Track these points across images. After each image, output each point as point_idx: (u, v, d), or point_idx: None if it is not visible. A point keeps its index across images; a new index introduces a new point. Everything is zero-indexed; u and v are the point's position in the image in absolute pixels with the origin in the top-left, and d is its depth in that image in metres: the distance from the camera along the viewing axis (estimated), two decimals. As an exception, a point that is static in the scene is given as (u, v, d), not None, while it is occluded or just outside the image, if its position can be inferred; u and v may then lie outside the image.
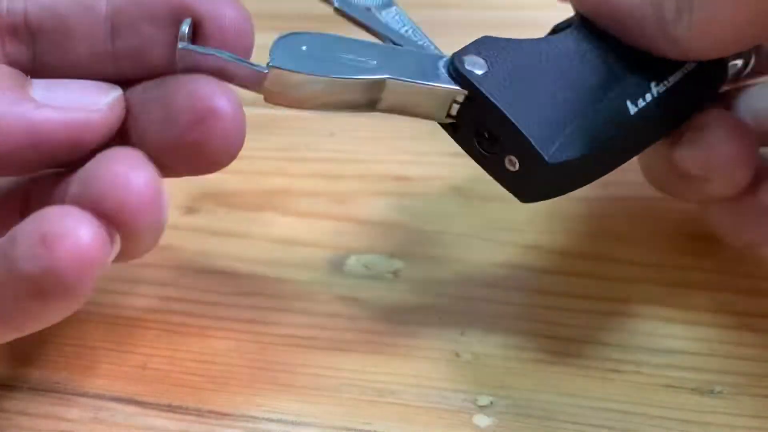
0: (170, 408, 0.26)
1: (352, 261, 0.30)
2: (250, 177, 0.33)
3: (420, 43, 0.25)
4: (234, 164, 0.34)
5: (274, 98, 0.23)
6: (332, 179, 0.32)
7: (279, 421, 0.25)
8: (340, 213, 0.32)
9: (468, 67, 0.23)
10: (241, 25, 0.23)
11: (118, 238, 0.20)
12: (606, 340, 0.27)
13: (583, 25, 0.25)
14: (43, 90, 0.22)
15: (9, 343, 0.27)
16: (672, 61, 0.25)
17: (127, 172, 0.20)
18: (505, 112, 0.23)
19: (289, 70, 0.22)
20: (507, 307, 0.29)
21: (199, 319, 0.28)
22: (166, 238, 0.27)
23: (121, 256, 0.21)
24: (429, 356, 0.27)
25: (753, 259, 0.29)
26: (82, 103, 0.22)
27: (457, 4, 0.43)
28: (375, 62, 0.23)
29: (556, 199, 0.24)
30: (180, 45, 0.22)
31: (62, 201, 0.20)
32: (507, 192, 0.24)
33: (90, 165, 0.20)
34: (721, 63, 0.26)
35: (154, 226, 0.21)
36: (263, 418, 0.25)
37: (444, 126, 0.25)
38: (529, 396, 0.25)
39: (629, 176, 0.31)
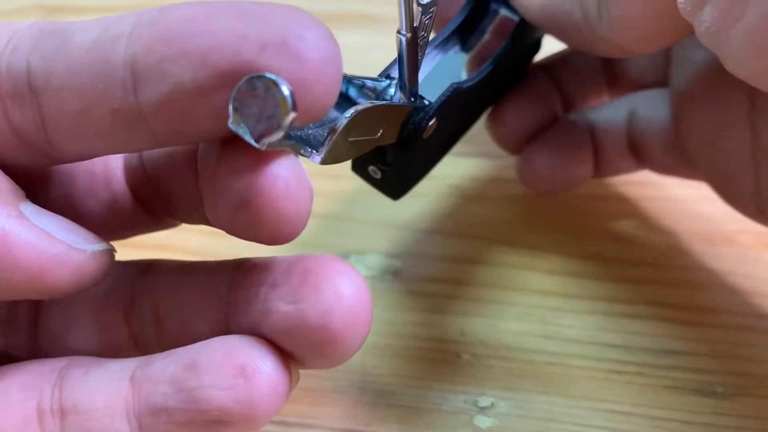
0: (169, 409, 0.25)
1: (352, 261, 0.30)
2: (249, 176, 0.33)
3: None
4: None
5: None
6: (332, 179, 0.32)
7: (279, 422, 0.25)
8: (340, 213, 0.32)
9: (426, 130, 0.23)
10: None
11: (296, 371, 0.19)
12: (607, 340, 0.27)
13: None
14: (32, 211, 0.18)
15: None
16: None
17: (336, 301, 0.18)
18: (409, 172, 0.25)
19: (329, 163, 0.20)
20: (507, 307, 0.28)
21: (199, 320, 0.28)
22: (166, 238, 0.27)
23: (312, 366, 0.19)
24: (429, 356, 0.27)
25: (754, 260, 0.29)
26: (67, 239, 0.18)
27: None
28: (381, 130, 0.23)
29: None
30: (229, 123, 0.17)
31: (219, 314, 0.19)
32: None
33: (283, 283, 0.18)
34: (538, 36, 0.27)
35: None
36: (263, 419, 0.25)
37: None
38: (530, 397, 0.25)
39: (631, 176, 0.31)
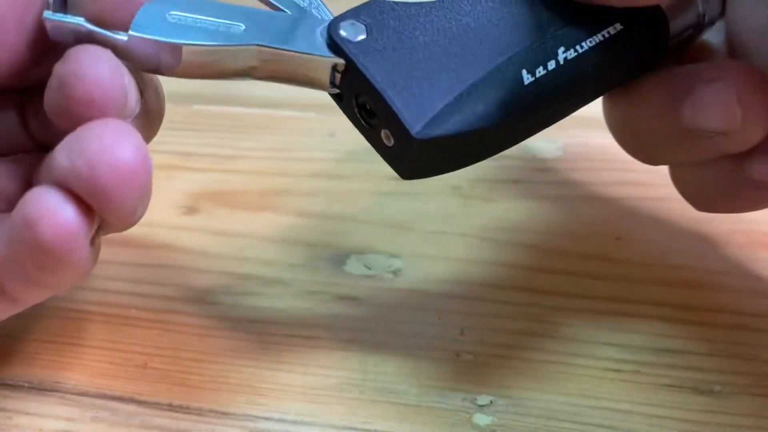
0: (170, 408, 0.26)
1: (352, 261, 0.30)
2: (250, 177, 0.34)
3: (307, 3, 0.23)
4: (234, 164, 0.34)
5: (146, 69, 0.22)
6: (332, 179, 0.32)
7: (279, 420, 0.25)
8: (340, 213, 0.32)
9: (343, 34, 0.22)
10: None
11: (96, 214, 0.20)
12: (606, 339, 0.27)
13: None
14: None
15: (9, 343, 0.27)
16: (591, 23, 0.24)
17: (113, 151, 0.20)
18: (373, 81, 0.21)
19: (148, 37, 0.21)
20: (507, 307, 0.29)
21: (200, 319, 0.28)
22: (167, 238, 0.27)
23: (110, 228, 0.22)
24: (429, 356, 0.27)
25: (751, 259, 0.29)
26: None
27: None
28: (243, 28, 0.22)
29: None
30: (45, 14, 0.21)
31: (50, 175, 0.20)
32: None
33: (74, 137, 0.20)
34: (659, 20, 0.25)
35: (139, 201, 0.21)
36: (263, 418, 0.25)
37: (332, 96, 0.23)
38: (528, 395, 0.26)
39: (630, 176, 0.31)
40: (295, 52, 0.22)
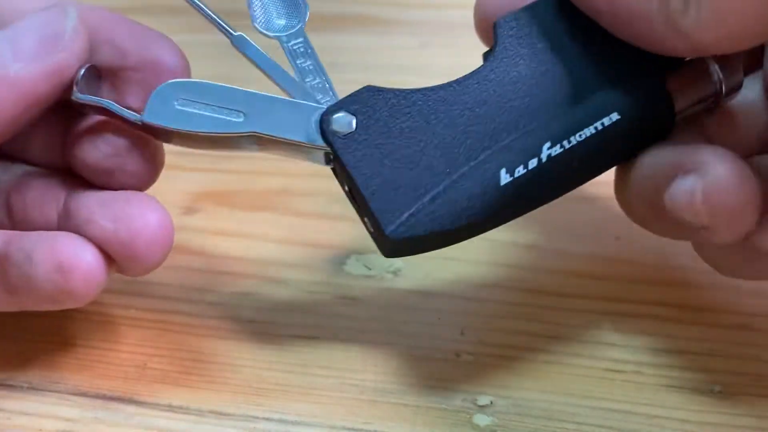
0: (170, 408, 0.26)
1: (352, 261, 0.30)
2: (250, 177, 0.33)
3: (314, 81, 0.25)
4: (234, 164, 0.34)
5: (159, 140, 0.25)
6: (332, 179, 0.32)
7: (279, 420, 0.25)
8: (340, 213, 0.32)
9: (334, 127, 0.23)
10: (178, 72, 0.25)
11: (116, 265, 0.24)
12: (606, 340, 0.27)
13: (502, 60, 0.24)
14: (7, 44, 0.23)
15: (9, 343, 0.27)
16: (584, 112, 0.23)
17: (140, 228, 0.24)
18: (355, 179, 0.23)
19: (156, 124, 0.24)
20: (507, 307, 0.29)
21: (199, 319, 0.28)
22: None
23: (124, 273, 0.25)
24: (429, 356, 0.27)
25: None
26: (48, 45, 0.23)
27: (456, 4, 0.43)
28: (244, 115, 0.24)
29: (555, 200, 0.24)
30: (74, 95, 0.24)
31: (81, 221, 0.24)
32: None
33: (117, 206, 0.24)
34: (663, 103, 0.24)
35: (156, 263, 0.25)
36: (263, 418, 0.25)
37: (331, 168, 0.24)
38: (528, 396, 0.25)
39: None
40: (290, 140, 0.24)
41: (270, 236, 0.31)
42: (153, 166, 0.25)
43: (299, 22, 0.25)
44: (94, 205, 0.24)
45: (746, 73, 0.26)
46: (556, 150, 0.23)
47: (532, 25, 0.24)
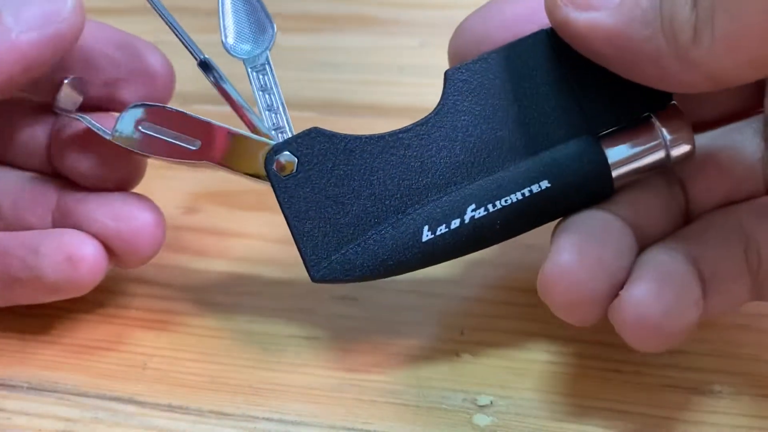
0: (170, 408, 0.26)
1: (352, 261, 0.30)
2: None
3: (272, 112, 0.25)
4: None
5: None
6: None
7: (279, 420, 0.25)
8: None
9: (276, 167, 0.24)
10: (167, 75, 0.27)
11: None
12: (606, 340, 0.27)
13: (445, 114, 0.24)
14: (11, 14, 0.24)
15: (9, 343, 0.27)
16: (514, 178, 0.23)
17: (139, 226, 0.26)
18: (288, 220, 0.24)
19: (121, 144, 0.25)
20: (507, 307, 0.29)
21: (199, 319, 0.28)
22: (167, 237, 0.27)
23: (123, 265, 0.28)
24: (429, 356, 0.27)
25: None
26: (48, 16, 0.25)
27: (456, 4, 0.43)
28: (200, 143, 0.25)
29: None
30: (54, 107, 0.26)
31: (81, 219, 0.26)
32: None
33: (118, 207, 0.27)
34: (600, 171, 0.23)
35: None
36: (263, 418, 0.25)
37: None
38: (528, 396, 0.26)
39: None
40: (238, 172, 0.25)
41: (270, 236, 0.31)
42: (138, 171, 0.28)
43: (265, 48, 0.26)
44: (93, 205, 0.27)
45: (735, 118, 0.26)
46: (480, 212, 0.24)
47: (479, 79, 0.24)
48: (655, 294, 0.22)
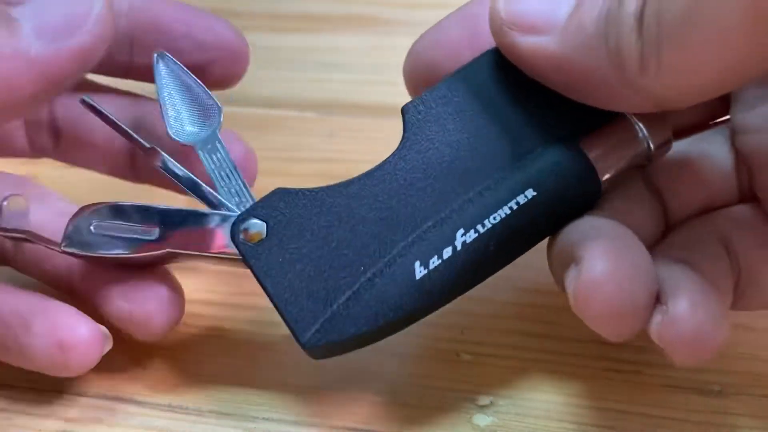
0: (170, 408, 0.26)
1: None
2: (250, 177, 0.33)
3: (230, 186, 0.25)
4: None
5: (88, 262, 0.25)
6: (332, 179, 0.32)
7: (279, 420, 0.25)
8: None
9: (244, 236, 0.23)
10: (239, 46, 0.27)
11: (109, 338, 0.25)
12: (606, 339, 0.27)
13: (411, 147, 0.23)
14: (30, 19, 0.22)
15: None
16: (497, 192, 0.22)
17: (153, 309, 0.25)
18: (267, 289, 0.23)
19: (75, 252, 0.24)
20: (507, 307, 0.29)
21: (199, 319, 0.28)
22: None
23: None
24: (429, 355, 0.27)
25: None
26: (72, 26, 0.22)
27: (456, 4, 0.43)
28: (158, 232, 0.24)
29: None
30: None
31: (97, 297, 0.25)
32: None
33: (132, 292, 0.25)
34: (586, 173, 0.23)
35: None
36: (263, 418, 0.25)
37: None
38: (529, 395, 0.26)
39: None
40: (205, 254, 0.24)
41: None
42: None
43: (212, 128, 0.25)
44: (109, 292, 0.25)
45: (706, 126, 0.25)
46: (471, 236, 0.22)
47: (438, 107, 0.24)
48: (704, 306, 0.21)
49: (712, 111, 0.26)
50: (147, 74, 0.26)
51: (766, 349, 0.27)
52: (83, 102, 0.25)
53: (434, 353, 0.27)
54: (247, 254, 0.23)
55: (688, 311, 0.21)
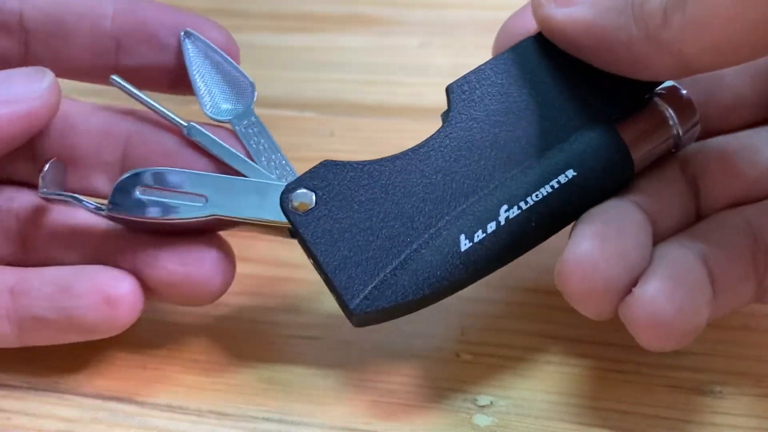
0: (170, 408, 0.26)
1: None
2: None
3: (270, 160, 0.25)
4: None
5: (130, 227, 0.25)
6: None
7: (279, 421, 0.25)
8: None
9: (294, 205, 0.24)
10: (229, 47, 0.26)
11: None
12: (606, 340, 0.27)
13: (456, 124, 0.24)
14: None
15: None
16: (539, 171, 0.23)
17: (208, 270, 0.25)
18: (318, 256, 0.23)
19: (119, 216, 0.24)
20: (507, 307, 0.29)
21: (199, 319, 0.28)
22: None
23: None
24: (429, 356, 0.27)
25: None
26: (21, 93, 0.24)
27: (456, 4, 0.43)
28: (205, 198, 0.24)
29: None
30: (40, 192, 0.25)
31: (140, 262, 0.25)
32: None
33: (186, 252, 0.25)
34: (621, 157, 0.24)
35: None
36: (263, 418, 0.25)
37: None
38: (528, 396, 0.25)
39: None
40: (252, 219, 0.24)
41: (270, 236, 0.31)
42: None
43: (247, 104, 0.26)
44: (161, 253, 0.25)
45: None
46: (514, 212, 0.23)
47: (483, 86, 0.24)
48: (669, 292, 0.22)
49: (766, 113, 0.26)
50: (134, 78, 0.26)
51: (766, 349, 0.27)
52: (113, 81, 0.25)
53: (434, 353, 0.27)
54: (297, 223, 0.23)
55: (648, 295, 0.22)
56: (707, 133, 0.26)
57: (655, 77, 0.23)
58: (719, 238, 0.24)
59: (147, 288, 0.25)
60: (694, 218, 0.25)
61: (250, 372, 0.27)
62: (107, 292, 0.24)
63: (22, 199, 0.26)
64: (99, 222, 0.26)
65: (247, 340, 0.28)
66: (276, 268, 0.30)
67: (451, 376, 0.26)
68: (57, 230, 0.26)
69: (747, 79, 0.26)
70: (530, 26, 0.25)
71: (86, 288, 0.24)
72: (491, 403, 0.25)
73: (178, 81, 0.26)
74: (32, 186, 0.26)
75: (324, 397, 0.26)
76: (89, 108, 0.27)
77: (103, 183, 0.26)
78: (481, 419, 0.25)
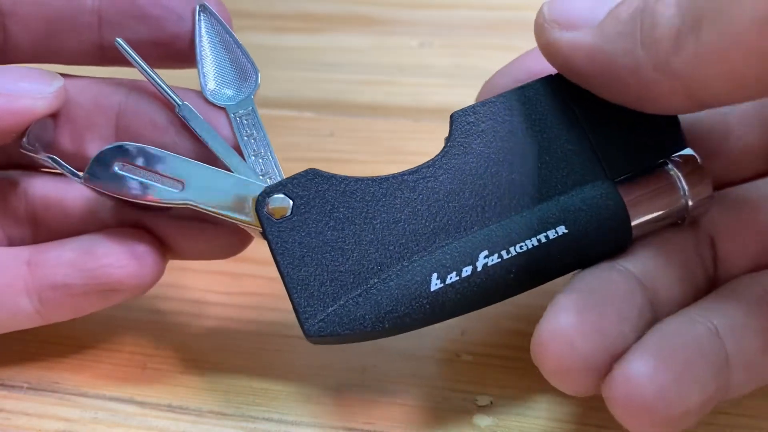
0: (170, 408, 0.26)
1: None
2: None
3: (258, 157, 0.24)
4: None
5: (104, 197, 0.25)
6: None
7: (279, 421, 0.25)
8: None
9: (268, 208, 0.23)
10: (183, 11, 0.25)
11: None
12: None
13: (453, 156, 0.23)
14: None
15: (9, 343, 0.27)
16: (529, 222, 0.22)
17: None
18: (281, 268, 0.22)
19: (95, 188, 0.24)
20: (507, 307, 0.28)
21: (200, 319, 0.28)
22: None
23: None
24: (429, 356, 0.27)
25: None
26: (26, 90, 0.24)
27: (456, 4, 0.43)
28: (182, 185, 0.23)
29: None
30: (21, 147, 0.24)
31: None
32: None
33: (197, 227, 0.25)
34: (619, 221, 0.22)
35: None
36: (263, 418, 0.25)
37: None
38: (529, 396, 0.25)
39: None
40: (225, 215, 0.23)
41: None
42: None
43: (248, 92, 0.25)
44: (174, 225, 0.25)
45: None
46: (493, 259, 0.22)
47: (487, 122, 0.23)
48: (652, 372, 0.20)
49: None
50: (120, 58, 0.25)
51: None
52: (118, 44, 0.24)
53: (434, 353, 0.27)
54: (268, 228, 0.23)
55: (626, 374, 0.20)
56: (716, 186, 0.24)
57: (663, 110, 0.21)
58: (735, 307, 0.22)
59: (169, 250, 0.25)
60: (706, 287, 0.23)
61: (249, 372, 0.27)
62: (134, 247, 0.24)
63: (31, 182, 0.26)
64: (108, 200, 0.25)
65: (248, 340, 0.28)
66: (274, 268, 0.30)
67: (451, 376, 0.26)
68: (68, 211, 0.25)
69: (756, 127, 0.25)
70: (509, 82, 0.24)
71: (110, 247, 0.24)
72: (491, 402, 0.25)
73: (166, 56, 0.25)
74: (38, 169, 0.26)
75: (324, 397, 0.26)
76: (84, 81, 0.26)
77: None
78: (481, 419, 0.25)
